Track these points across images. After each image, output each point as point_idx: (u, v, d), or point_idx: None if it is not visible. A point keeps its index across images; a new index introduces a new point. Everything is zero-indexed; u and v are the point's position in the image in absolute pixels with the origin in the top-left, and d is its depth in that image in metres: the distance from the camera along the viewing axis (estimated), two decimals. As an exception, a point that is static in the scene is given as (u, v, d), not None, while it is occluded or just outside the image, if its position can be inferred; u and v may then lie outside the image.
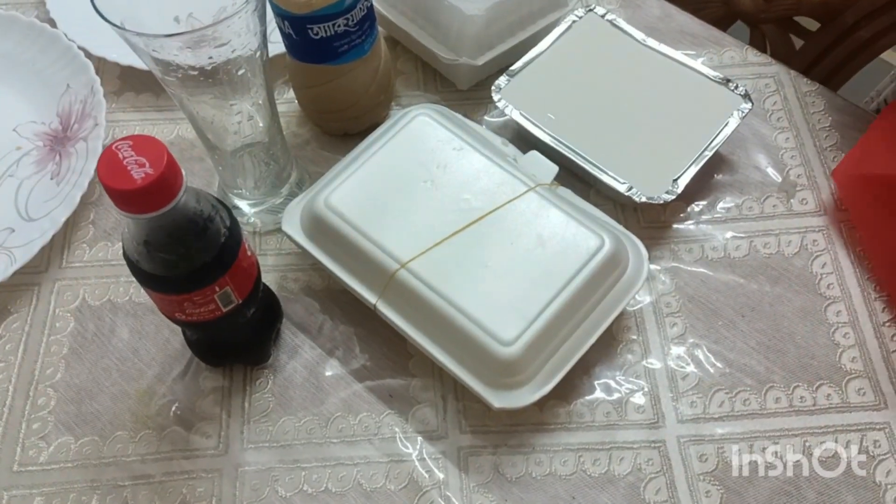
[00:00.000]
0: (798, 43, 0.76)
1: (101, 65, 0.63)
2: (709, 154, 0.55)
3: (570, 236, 0.49)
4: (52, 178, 0.59)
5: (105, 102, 0.60)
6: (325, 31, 0.52)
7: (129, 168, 0.36)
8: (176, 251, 0.40)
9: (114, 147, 0.36)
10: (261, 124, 0.52)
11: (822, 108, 0.62)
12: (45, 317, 0.54)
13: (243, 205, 0.57)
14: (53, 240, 0.56)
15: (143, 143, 0.36)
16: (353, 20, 0.53)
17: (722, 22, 0.77)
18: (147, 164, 0.36)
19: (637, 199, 0.53)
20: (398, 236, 0.49)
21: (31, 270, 0.55)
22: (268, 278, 0.55)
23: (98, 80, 0.61)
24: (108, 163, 0.36)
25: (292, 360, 0.52)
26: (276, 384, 0.51)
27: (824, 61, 0.72)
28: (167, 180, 0.36)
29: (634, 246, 0.51)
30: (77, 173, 0.58)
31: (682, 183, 0.54)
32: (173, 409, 0.51)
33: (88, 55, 0.63)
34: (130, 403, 0.51)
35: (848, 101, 0.62)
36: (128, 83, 0.65)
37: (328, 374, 0.52)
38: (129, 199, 0.36)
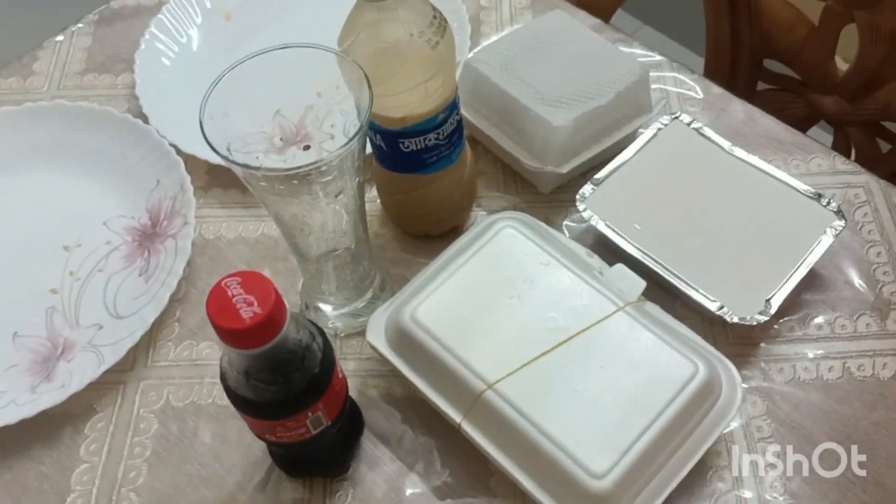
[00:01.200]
0: (885, 147, 0.74)
1: (190, 160, 0.65)
2: (802, 273, 0.54)
3: (663, 362, 0.48)
4: (140, 275, 0.61)
5: (194, 201, 0.61)
6: (416, 146, 0.53)
7: (237, 306, 0.36)
8: (275, 381, 0.40)
9: (223, 284, 0.37)
10: (348, 229, 0.52)
11: (918, 220, 0.60)
12: (130, 417, 0.55)
13: (326, 308, 0.57)
14: (140, 338, 0.57)
15: (251, 281, 0.37)
16: (443, 134, 0.53)
17: (804, 122, 0.76)
18: (255, 304, 0.36)
19: (729, 320, 0.52)
20: (485, 355, 0.49)
21: (117, 368, 0.56)
22: (349, 384, 0.55)
23: (188, 177, 0.63)
24: (218, 300, 0.36)
25: (372, 471, 0.52)
26: (355, 497, 0.51)
27: None
28: (273, 319, 0.37)
29: (727, 370, 0.50)
30: (166, 272, 0.59)
31: (776, 303, 0.52)
32: (252, 520, 0.50)
33: (179, 152, 0.65)
34: (211, 512, 0.51)
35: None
36: (216, 178, 0.66)
37: (408, 488, 0.51)
38: (237, 337, 0.37)
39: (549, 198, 0.63)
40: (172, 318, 0.59)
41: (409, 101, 0.50)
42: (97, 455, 0.53)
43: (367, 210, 0.63)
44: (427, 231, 0.62)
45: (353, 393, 0.55)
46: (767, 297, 0.53)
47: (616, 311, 0.50)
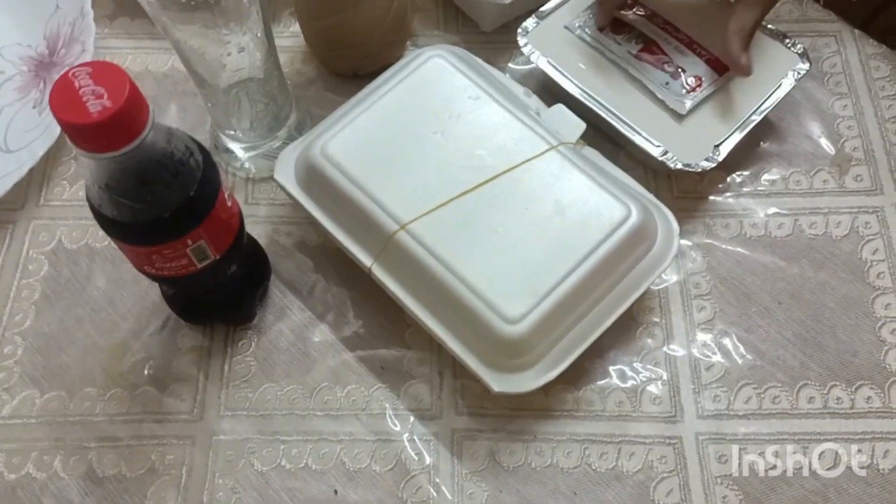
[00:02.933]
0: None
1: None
2: (756, 119, 0.49)
3: (593, 204, 0.43)
4: (34, 107, 0.55)
5: (95, 27, 0.55)
6: (333, -43, 0.47)
7: (85, 99, 0.31)
8: (141, 197, 0.35)
9: (70, 74, 0.31)
10: (257, 58, 0.46)
11: (887, 73, 0.55)
12: (18, 258, 0.50)
13: (236, 148, 0.52)
14: (31, 175, 0.51)
15: (103, 71, 0.31)
16: (364, -55, 0.47)
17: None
18: (105, 96, 0.31)
19: (672, 166, 0.47)
20: (400, 193, 0.44)
21: (5, 207, 0.51)
22: (258, 230, 0.50)
23: (89, 1, 0.56)
24: (63, 92, 0.31)
25: (279, 321, 0.48)
26: (259, 347, 0.47)
27: (887, 12, 0.64)
28: (128, 115, 0.31)
29: (665, 218, 0.46)
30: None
31: (725, 150, 0.48)
32: (147, 367, 0.47)
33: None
34: (102, 358, 0.47)
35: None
36: (124, 6, 0.59)
37: (317, 339, 0.47)
38: (83, 134, 0.31)
39: (491, 37, 0.57)
40: (69, 156, 0.53)
41: None
42: (-20, 296, 0.49)
43: (290, 45, 0.58)
44: (355, 70, 0.56)
45: (263, 240, 0.50)
46: (716, 143, 0.48)
47: (548, 150, 0.45)
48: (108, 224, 0.36)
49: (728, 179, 0.51)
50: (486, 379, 0.41)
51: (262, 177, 0.52)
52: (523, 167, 0.45)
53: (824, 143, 0.53)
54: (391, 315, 0.47)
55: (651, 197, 0.47)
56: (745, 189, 0.51)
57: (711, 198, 0.51)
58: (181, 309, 0.47)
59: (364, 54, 0.54)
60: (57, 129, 0.51)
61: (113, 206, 0.35)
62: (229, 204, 0.40)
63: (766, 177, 0.51)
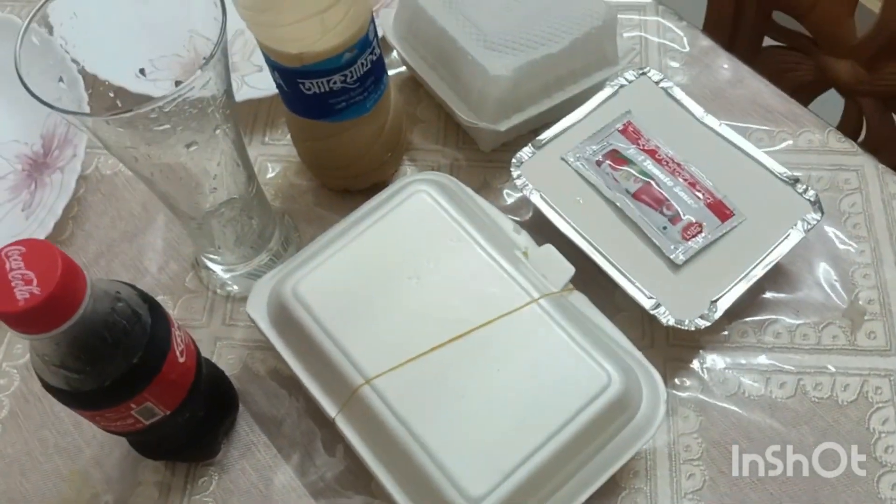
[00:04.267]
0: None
1: (95, 84, 0.57)
2: (760, 273, 0.45)
3: (571, 369, 0.41)
4: (22, 210, 0.54)
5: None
6: (319, 88, 0.45)
7: (13, 284, 0.29)
8: (78, 369, 0.34)
9: (3, 254, 0.30)
10: (235, 183, 0.45)
11: (913, 216, 0.51)
12: (-10, 371, 0.49)
13: (217, 268, 0.50)
14: (12, 283, 0.51)
15: (36, 253, 0.30)
16: (351, 77, 0.45)
17: (811, 87, 0.66)
18: (34, 282, 0.30)
19: (664, 322, 0.44)
20: (368, 344, 0.42)
21: (-17, 315, 0.50)
22: (232, 355, 0.49)
23: (86, 98, 0.55)
24: (-9, 275, 0.30)
25: (243, 458, 0.46)
26: (219, 486, 0.45)
27: None
28: (57, 301, 0.30)
29: (651, 381, 0.43)
30: (46, 210, 0.53)
31: (722, 307, 0.45)
32: (105, 499, 0.45)
33: (83, 71, 0.57)
34: (62, 487, 0.46)
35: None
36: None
37: (280, 482, 0.45)
38: (11, 320, 0.30)
39: (490, 156, 0.55)
40: (52, 263, 0.53)
41: (303, 35, 0.42)
42: (-51, 411, 0.48)
43: (285, 154, 0.56)
44: (346, 186, 0.54)
45: (236, 365, 0.49)
46: (713, 299, 0.45)
47: (527, 304, 0.43)
48: (48, 389, 0.35)
49: (728, 329, 0.48)
50: (443, 557, 0.39)
51: (244, 296, 0.51)
52: (499, 322, 0.42)
53: (837, 292, 0.49)
54: (358, 461, 0.45)
55: (638, 355, 0.44)
56: (746, 341, 0.48)
57: (708, 349, 0.48)
58: (140, 449, 0.45)
59: (355, 174, 0.53)
60: (41, 236, 0.51)
61: (51, 374, 0.34)
62: (182, 360, 0.38)
63: (770, 328, 0.48)
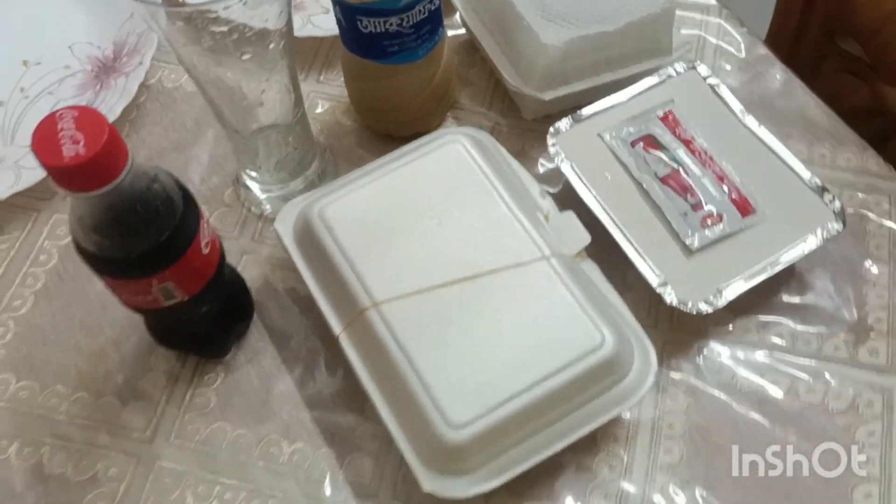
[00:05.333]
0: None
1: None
2: (770, 271, 0.46)
3: (569, 325, 0.42)
4: (86, 106, 0.58)
5: (156, 41, 0.58)
6: (375, 27, 0.47)
7: (62, 142, 0.32)
8: (110, 235, 0.36)
9: (56, 115, 0.33)
10: (283, 107, 0.48)
11: (939, 245, 0.52)
12: (33, 246, 0.53)
13: (255, 187, 0.53)
14: (66, 170, 0.54)
15: (87, 118, 0.33)
16: (408, 21, 0.47)
17: (863, 115, 0.66)
18: (82, 143, 0.32)
19: (668, 300, 0.45)
20: (381, 271, 0.44)
21: (35, 195, 0.54)
22: (256, 269, 0.52)
23: (162, 13, 0.59)
24: (45, 131, 0.33)
25: (249, 363, 0.49)
26: (224, 384, 0.48)
27: None
28: (102, 162, 0.33)
29: (644, 350, 0.44)
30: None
31: (728, 296, 0.46)
32: (118, 377, 0.48)
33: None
34: (80, 360, 0.49)
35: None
36: (194, 26, 0.62)
37: (279, 389, 0.48)
38: (58, 174, 0.33)
39: (531, 125, 0.57)
40: (106, 159, 0.56)
41: (368, -27, 0.45)
42: (-10, 275, 0.52)
43: (336, 95, 0.59)
44: (389, 131, 0.56)
45: (258, 280, 0.51)
46: (720, 287, 0.46)
47: (538, 260, 0.44)
48: (79, 251, 0.38)
49: (733, 324, 0.49)
50: (419, 475, 0.41)
51: (274, 217, 0.53)
52: (509, 272, 0.44)
53: (847, 307, 0.50)
54: (356, 383, 0.47)
55: (636, 326, 0.45)
56: (748, 337, 0.49)
57: (711, 338, 0.49)
58: (156, 333, 0.48)
59: (400, 120, 0.55)
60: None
61: (84, 235, 0.37)
62: (206, 252, 0.41)
63: (775, 329, 0.49)
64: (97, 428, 0.47)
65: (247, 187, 0.53)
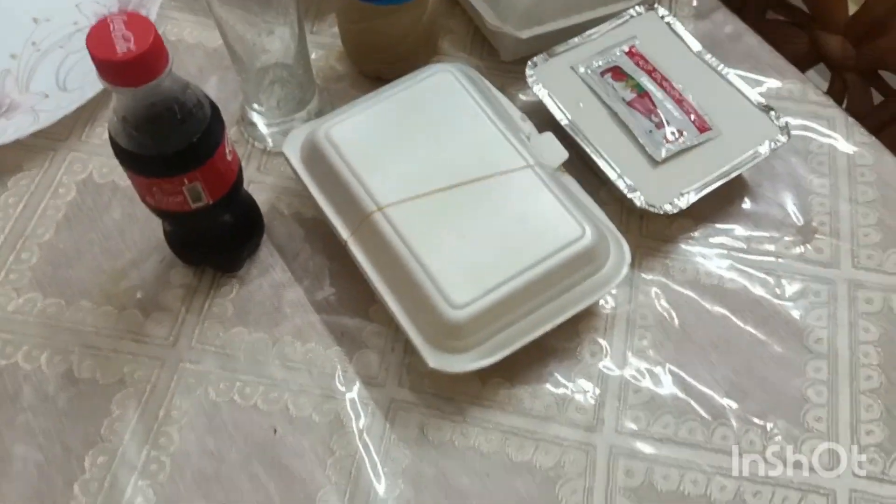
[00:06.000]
0: (878, 98, 0.71)
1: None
2: (725, 178, 0.53)
3: (552, 220, 0.48)
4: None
5: (161, -3, 0.62)
6: (369, -32, 0.53)
7: (115, 40, 0.37)
8: (149, 132, 0.41)
9: (108, 19, 0.37)
10: (289, 46, 0.53)
11: (870, 161, 0.58)
12: (52, 182, 0.57)
13: (260, 122, 0.58)
14: (80, 113, 0.58)
15: (135, 21, 0.37)
16: (399, -37, 0.53)
17: (804, 61, 0.73)
18: (132, 41, 0.37)
19: (637, 203, 0.51)
20: (385, 180, 0.49)
21: (52, 137, 0.58)
22: (263, 196, 0.56)
23: (166, -29, 0.63)
24: (99, 32, 0.37)
25: (261, 276, 0.53)
26: (239, 294, 0.52)
27: None
28: (149, 59, 0.37)
29: (619, 246, 0.50)
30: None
31: (688, 199, 0.52)
32: (138, 293, 0.52)
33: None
34: (102, 279, 0.53)
35: (901, 162, 0.59)
36: (192, -16, 0.66)
37: (290, 298, 0.52)
38: (109, 69, 0.37)
39: (510, 67, 0.62)
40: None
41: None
42: (13, 208, 0.55)
43: (330, 42, 0.64)
44: (379, 73, 0.61)
45: (264, 206, 0.56)
46: (683, 191, 0.52)
47: (524, 168, 0.50)
48: (120, 151, 0.42)
49: (696, 229, 0.55)
50: (424, 353, 0.46)
51: (277, 151, 0.58)
52: (499, 177, 0.49)
53: (794, 213, 0.56)
54: (361, 290, 0.52)
55: (612, 227, 0.51)
56: (710, 240, 0.55)
57: (676, 243, 0.55)
58: (178, 248, 0.52)
59: (388, 61, 0.60)
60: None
61: (126, 136, 0.41)
62: (229, 158, 0.45)
63: (732, 233, 0.55)
64: (122, 337, 0.51)
65: (252, 123, 0.58)
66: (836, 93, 0.72)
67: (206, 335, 0.51)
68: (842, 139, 0.59)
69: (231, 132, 0.59)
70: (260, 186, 0.57)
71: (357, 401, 0.49)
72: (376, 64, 0.61)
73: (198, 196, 0.45)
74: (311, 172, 0.52)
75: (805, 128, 0.60)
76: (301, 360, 0.50)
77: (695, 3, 0.67)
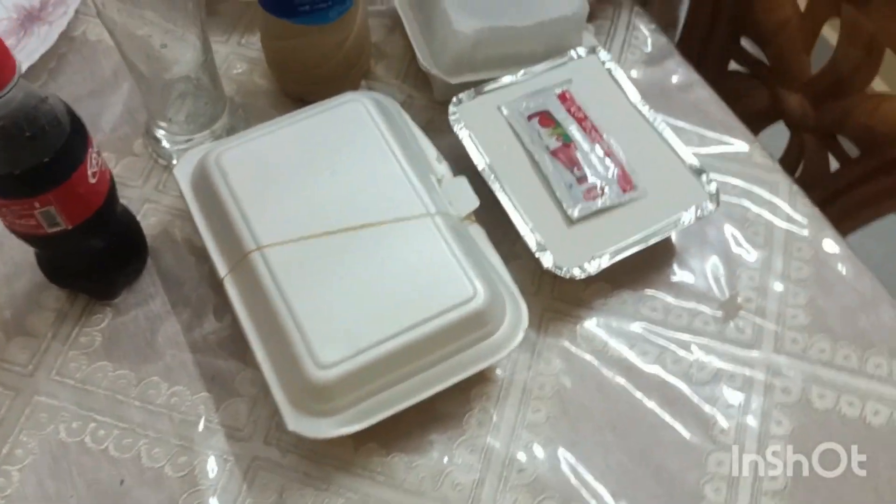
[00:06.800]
0: (834, 166, 0.67)
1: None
2: (642, 245, 0.49)
3: (444, 277, 0.44)
4: (4, 52, 0.58)
5: (80, -6, 0.59)
6: (285, -15, 0.49)
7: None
8: (-9, 149, 0.37)
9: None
10: (190, 57, 0.49)
11: (809, 236, 0.54)
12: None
13: (163, 137, 0.54)
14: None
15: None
16: (317, -17, 0.49)
17: (762, 116, 0.69)
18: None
19: (544, 264, 0.48)
20: (270, 217, 0.45)
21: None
22: (156, 218, 0.53)
23: (86, -33, 0.60)
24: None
25: (139, 306, 0.49)
26: (110, 325, 0.49)
27: (853, 193, 0.64)
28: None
29: (518, 310, 0.46)
30: (26, 55, 0.57)
31: (599, 264, 0.48)
32: (6, 312, 0.49)
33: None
34: (-33, 293, 0.49)
35: (843, 241, 0.54)
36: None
37: (166, 331, 0.49)
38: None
39: (441, 105, 0.58)
40: (17, 103, 0.57)
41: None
42: None
43: (256, 58, 0.60)
44: (302, 95, 0.58)
45: (156, 227, 0.52)
46: (595, 255, 0.48)
47: (422, 216, 0.46)
48: (-37, 166, 0.38)
49: (612, 295, 0.51)
50: (285, 413, 0.42)
51: (180, 170, 0.54)
52: (394, 225, 0.45)
53: (720, 286, 0.52)
54: (240, 330, 0.48)
55: (513, 287, 0.47)
56: (626, 308, 0.51)
57: (590, 307, 0.51)
58: (47, 270, 0.48)
59: (309, 82, 0.56)
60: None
61: (-32, 150, 0.38)
62: (93, 181, 0.42)
63: (649, 302, 0.51)
64: (-21, 359, 0.47)
65: (155, 139, 0.54)
66: (793, 154, 0.68)
67: (67, 367, 0.47)
68: (783, 208, 0.55)
69: (136, 144, 0.56)
70: (155, 207, 0.53)
71: (216, 456, 0.45)
72: (298, 85, 0.57)
73: (53, 221, 0.41)
74: (199, 199, 0.48)
75: (745, 193, 0.56)
76: (164, 403, 0.46)
77: (648, 49, 0.63)
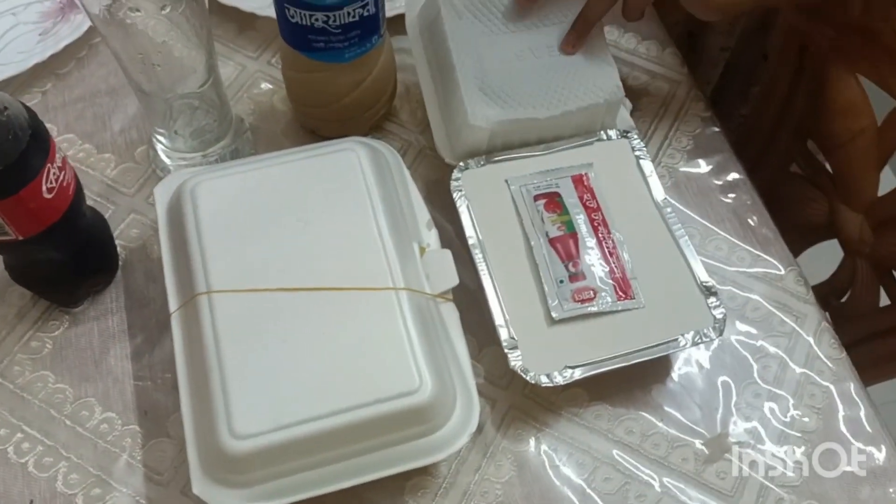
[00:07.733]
0: (885, 301, 0.60)
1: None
2: (625, 363, 0.44)
3: (391, 361, 0.41)
4: (40, 34, 0.58)
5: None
6: (302, 19, 0.47)
7: None
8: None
9: None
10: (196, 72, 0.47)
11: (827, 383, 0.48)
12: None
13: (162, 151, 0.53)
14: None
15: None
16: (335, 21, 0.46)
17: (818, 230, 0.62)
18: None
19: (511, 363, 0.43)
20: (228, 260, 0.43)
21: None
22: (137, 231, 0.52)
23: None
24: None
25: (97, 320, 0.48)
26: (64, 334, 0.47)
27: (892, 340, 0.57)
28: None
29: (469, 408, 0.42)
30: (55, 41, 0.56)
31: (572, 376, 0.43)
32: (-34, 305, 0.48)
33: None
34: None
35: (865, 396, 0.48)
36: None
37: (115, 352, 0.47)
38: None
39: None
40: (39, 89, 0.57)
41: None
42: None
43: (278, 80, 0.58)
44: (315, 129, 0.55)
45: (135, 241, 0.52)
46: (569, 365, 0.44)
47: (386, 290, 0.43)
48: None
49: (588, 406, 0.47)
50: (193, 476, 0.40)
51: (174, 185, 0.53)
52: (351, 293, 0.42)
53: (710, 421, 0.47)
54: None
55: (470, 383, 0.43)
56: (597, 424, 0.46)
57: (559, 414, 0.46)
58: (9, 269, 0.47)
59: (324, 118, 0.54)
60: (30, 63, 0.55)
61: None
62: (48, 197, 0.40)
63: (626, 424, 0.46)
64: (-69, 348, 0.47)
65: (156, 151, 0.53)
66: (843, 278, 0.61)
67: (11, 370, 0.46)
68: (804, 346, 0.49)
69: (139, 150, 0.55)
70: (140, 220, 0.52)
71: (130, 496, 0.43)
72: (313, 119, 0.55)
73: (2, 230, 0.40)
74: (170, 225, 0.46)
75: (765, 320, 0.50)
76: (93, 429, 0.45)
77: (695, 137, 0.57)
